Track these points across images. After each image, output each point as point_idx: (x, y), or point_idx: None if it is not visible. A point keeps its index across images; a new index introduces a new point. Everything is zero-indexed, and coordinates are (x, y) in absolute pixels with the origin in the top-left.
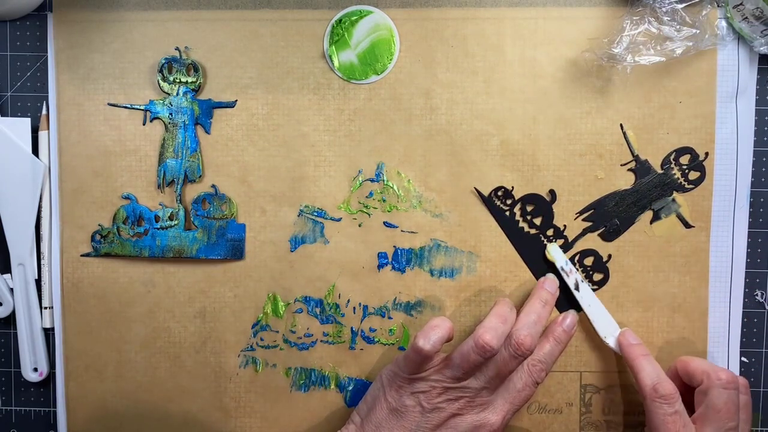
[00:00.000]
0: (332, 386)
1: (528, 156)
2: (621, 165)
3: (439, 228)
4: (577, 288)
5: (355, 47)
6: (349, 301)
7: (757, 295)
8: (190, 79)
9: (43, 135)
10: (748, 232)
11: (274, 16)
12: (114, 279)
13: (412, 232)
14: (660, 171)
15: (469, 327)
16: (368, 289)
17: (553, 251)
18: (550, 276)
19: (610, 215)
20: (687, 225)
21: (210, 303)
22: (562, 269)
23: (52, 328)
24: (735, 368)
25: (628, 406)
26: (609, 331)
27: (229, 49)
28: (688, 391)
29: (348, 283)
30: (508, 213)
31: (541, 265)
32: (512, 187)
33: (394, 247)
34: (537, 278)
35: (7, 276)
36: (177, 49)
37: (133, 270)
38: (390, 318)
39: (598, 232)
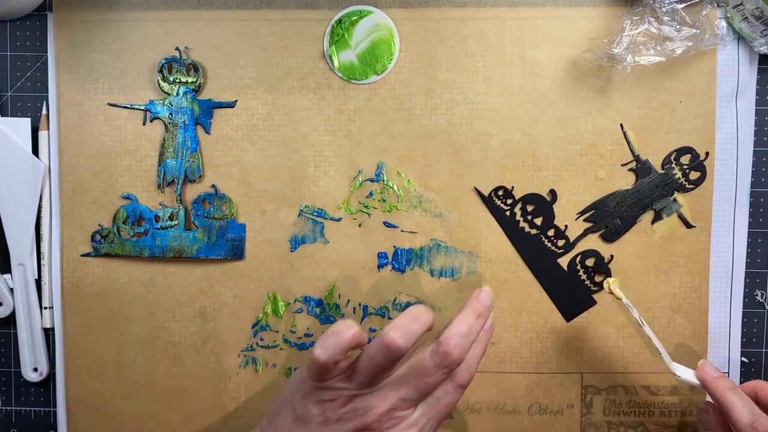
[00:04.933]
0: None
1: (528, 156)
2: (622, 165)
3: (439, 228)
4: (641, 324)
5: (355, 47)
6: (349, 301)
7: (757, 295)
8: (190, 79)
9: (43, 135)
10: (748, 232)
11: (274, 16)
12: (114, 279)
13: (412, 232)
14: (661, 171)
15: None
16: (368, 289)
17: (616, 290)
18: (486, 288)
19: (611, 215)
20: (688, 225)
21: (210, 303)
22: (627, 305)
23: (52, 328)
24: (735, 368)
25: (628, 407)
26: (678, 363)
27: (229, 49)
28: None
29: (348, 283)
30: (508, 213)
31: (540, 265)
32: (512, 187)
33: (394, 247)
34: (537, 278)
35: (7, 276)
36: (177, 49)
37: (133, 270)
38: (390, 318)
39: (600, 232)
